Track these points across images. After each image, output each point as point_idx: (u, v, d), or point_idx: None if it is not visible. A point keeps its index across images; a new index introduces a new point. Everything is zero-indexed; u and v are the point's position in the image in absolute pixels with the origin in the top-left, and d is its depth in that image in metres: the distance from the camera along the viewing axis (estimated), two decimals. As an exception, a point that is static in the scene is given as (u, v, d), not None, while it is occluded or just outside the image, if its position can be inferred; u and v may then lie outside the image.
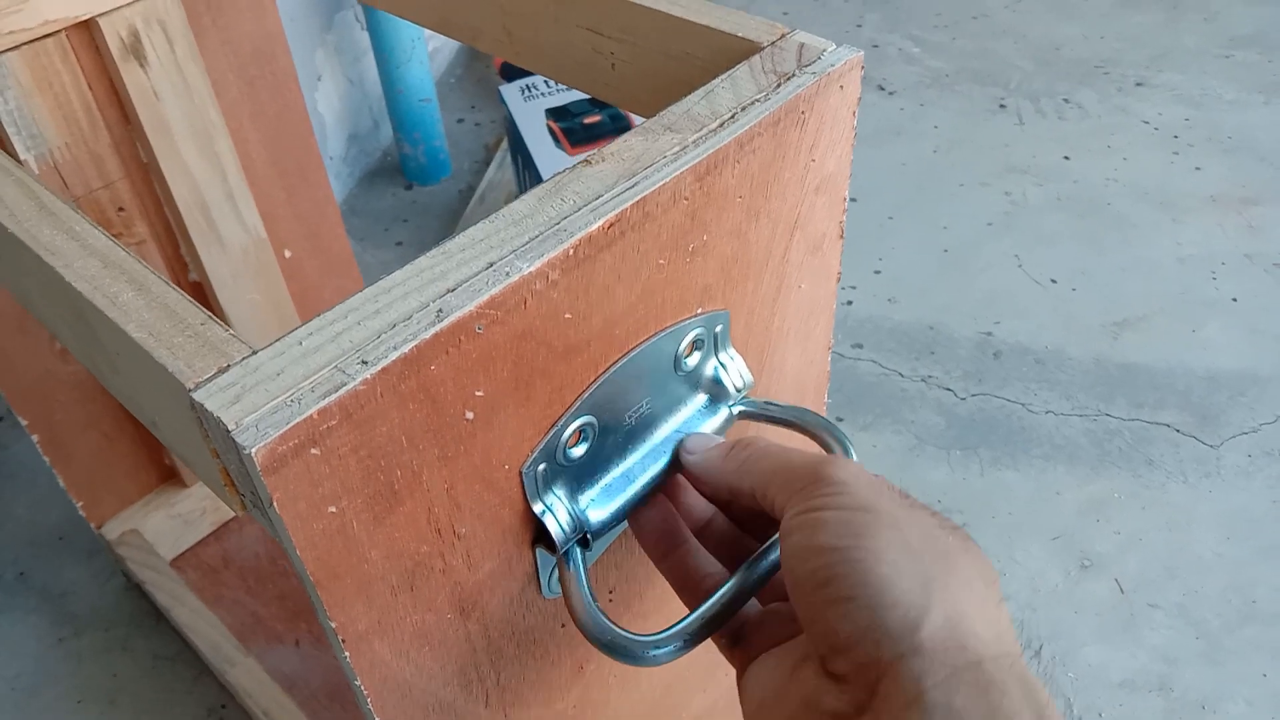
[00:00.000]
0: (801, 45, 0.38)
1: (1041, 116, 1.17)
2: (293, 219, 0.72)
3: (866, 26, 1.36)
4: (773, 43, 0.38)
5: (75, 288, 0.29)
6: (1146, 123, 1.15)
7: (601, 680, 0.43)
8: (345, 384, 0.25)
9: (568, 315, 0.30)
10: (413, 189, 1.13)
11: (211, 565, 0.74)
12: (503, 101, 0.95)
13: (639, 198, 0.31)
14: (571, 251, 0.29)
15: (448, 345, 0.27)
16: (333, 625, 0.29)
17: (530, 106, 0.93)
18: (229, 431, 0.24)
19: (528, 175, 0.90)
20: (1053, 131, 1.15)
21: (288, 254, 0.73)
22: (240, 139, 0.66)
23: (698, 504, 0.37)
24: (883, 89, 1.24)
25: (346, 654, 0.29)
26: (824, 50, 0.37)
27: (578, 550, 0.34)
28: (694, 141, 0.33)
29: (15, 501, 0.84)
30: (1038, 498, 0.78)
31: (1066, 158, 1.11)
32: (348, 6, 1.08)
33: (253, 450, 0.24)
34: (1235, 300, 0.93)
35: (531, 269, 0.28)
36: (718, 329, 0.37)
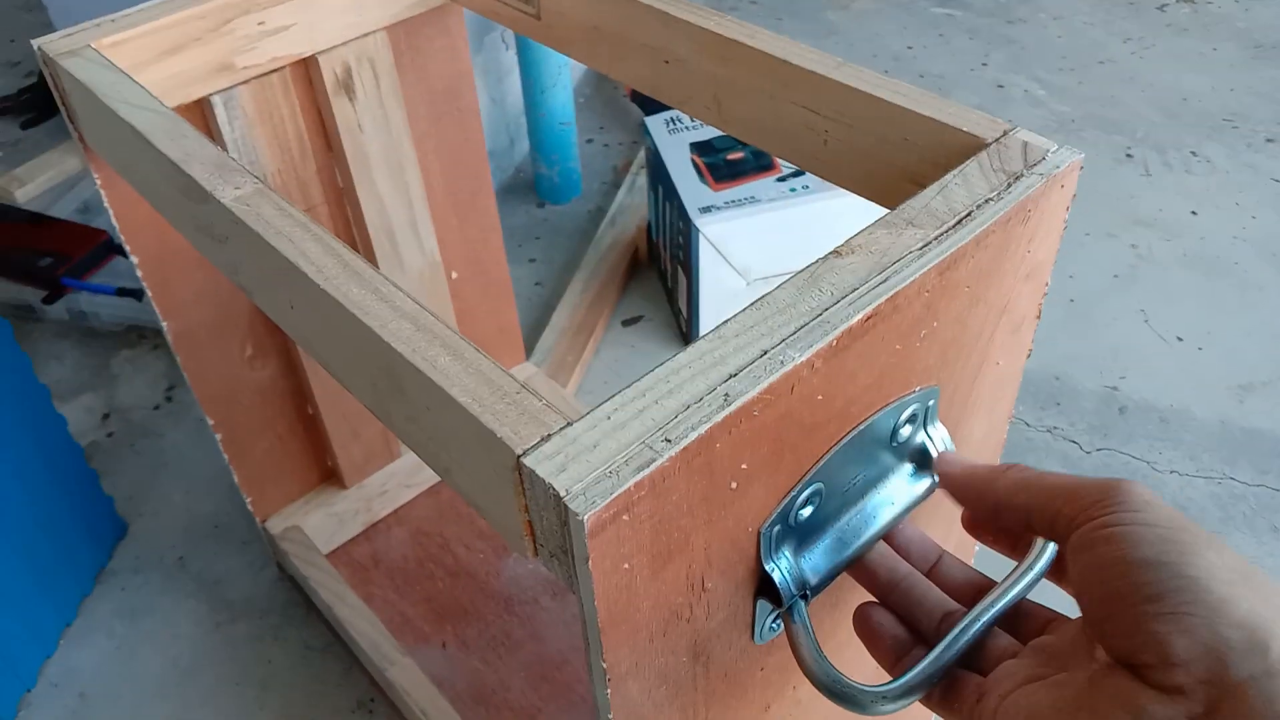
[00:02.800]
0: (1026, 144, 0.40)
1: (1168, 169, 1.17)
2: (461, 244, 0.77)
3: (992, 66, 1.37)
4: (997, 140, 0.40)
5: (395, 349, 0.33)
6: (1276, 181, 1.15)
7: (782, 718, 0.45)
8: (654, 460, 0.29)
9: (820, 397, 0.33)
10: (544, 207, 1.17)
11: (362, 564, 0.79)
12: (647, 133, 0.98)
13: (892, 293, 0.34)
14: (835, 342, 0.32)
15: (731, 426, 0.30)
16: (604, 665, 0.32)
17: (675, 140, 0.96)
18: (560, 497, 0.28)
19: (669, 206, 0.93)
20: (1179, 185, 1.15)
21: (454, 275, 0.77)
22: (425, 168, 0.70)
23: (922, 546, 0.38)
24: (1007, 132, 1.25)
25: (608, 690, 0.33)
26: (1048, 150, 0.40)
27: (802, 604, 0.36)
28: (936, 238, 0.36)
29: (173, 489, 0.89)
30: (1161, 557, 0.79)
31: (1194, 213, 1.11)
32: (496, 29, 1.12)
33: (584, 516, 0.27)
34: (1367, 370, 0.93)
35: (802, 359, 0.31)
36: (930, 404, 0.40)
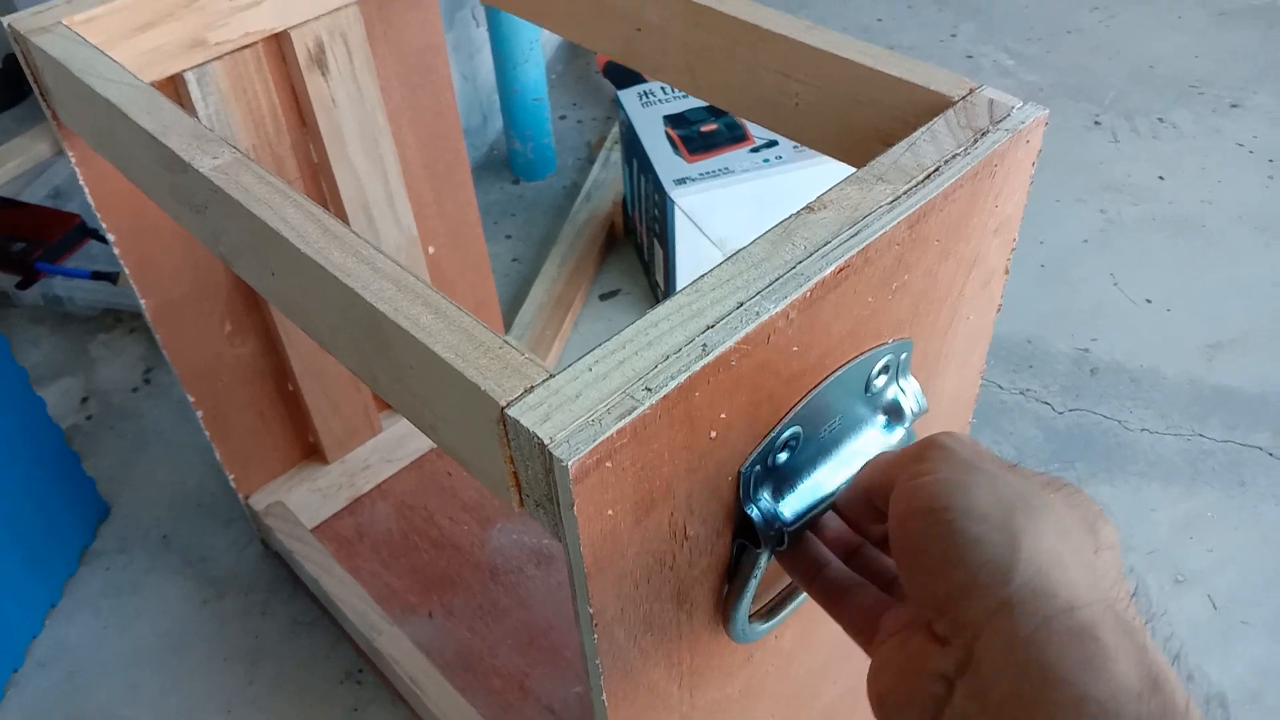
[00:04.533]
0: (991, 101, 0.41)
1: (1136, 135, 1.19)
2: (438, 218, 0.77)
3: (961, 37, 1.38)
4: (963, 97, 0.41)
5: (378, 309, 0.33)
6: (1241, 145, 1.17)
7: (764, 667, 0.47)
8: (635, 408, 0.29)
9: (795, 348, 0.34)
10: (520, 184, 1.18)
11: (347, 537, 0.79)
12: (620, 107, 0.98)
13: (863, 245, 0.34)
14: (808, 294, 0.33)
15: (709, 376, 0.31)
16: (590, 610, 0.33)
17: (648, 113, 0.96)
18: (544, 445, 0.29)
19: (644, 179, 0.94)
20: (1147, 151, 1.16)
21: (431, 250, 0.77)
22: (400, 143, 0.71)
23: (843, 533, 0.39)
24: (977, 101, 1.26)
25: (595, 635, 0.34)
26: (1013, 107, 0.41)
27: (765, 555, 0.37)
28: (905, 192, 0.37)
29: (155, 469, 0.90)
30: (1133, 514, 0.81)
31: (1161, 177, 1.13)
32: (466, 6, 1.12)
33: (569, 463, 0.28)
34: (1330, 327, 0.95)
35: (776, 310, 0.32)
36: (902, 356, 0.41)
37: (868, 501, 0.35)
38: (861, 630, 0.36)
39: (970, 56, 1.34)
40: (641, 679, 0.38)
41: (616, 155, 1.17)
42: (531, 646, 0.72)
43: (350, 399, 0.78)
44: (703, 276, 0.34)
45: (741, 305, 0.32)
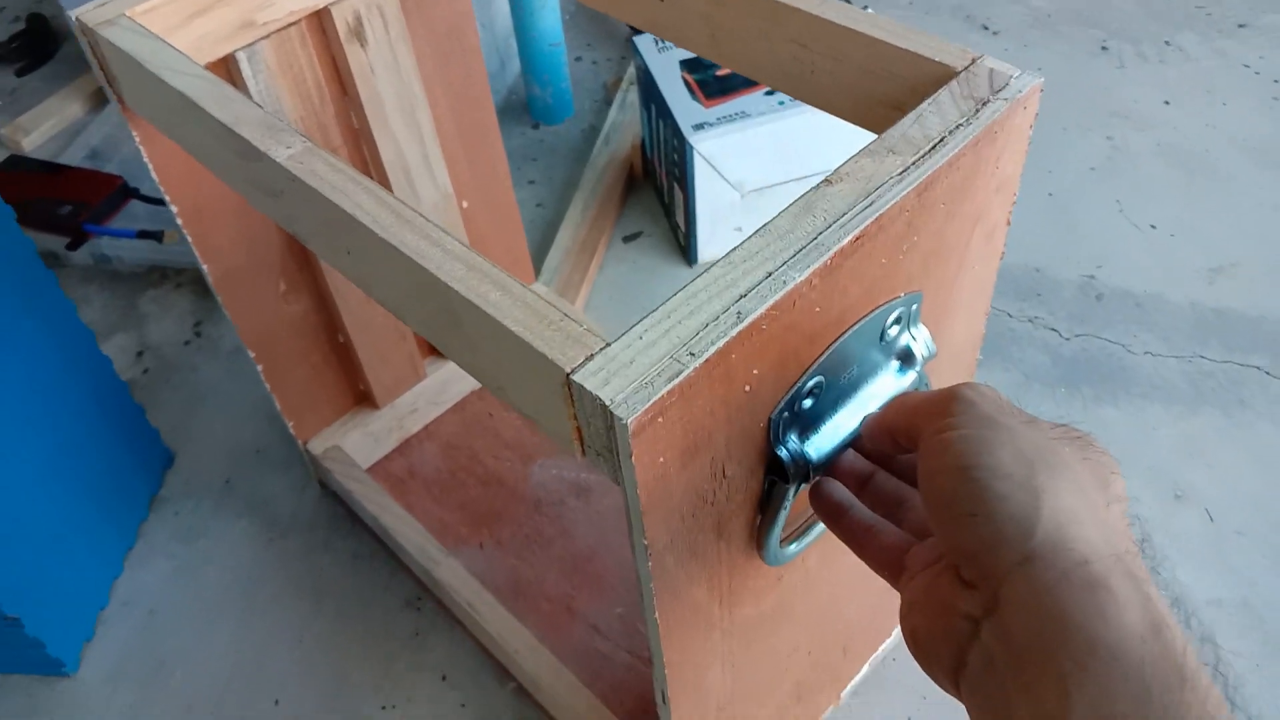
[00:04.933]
0: (991, 71, 0.45)
1: (1143, 60, 1.21)
2: (470, 175, 0.81)
3: (970, -36, 1.39)
4: (966, 68, 0.45)
5: (452, 288, 0.38)
6: (1247, 66, 1.18)
7: (792, 587, 0.52)
8: (681, 371, 0.34)
9: (817, 309, 0.39)
10: (539, 128, 1.21)
11: (399, 477, 0.85)
12: (637, 52, 1.01)
13: (877, 215, 0.39)
14: (829, 262, 0.37)
15: (744, 339, 0.36)
16: (645, 542, 0.38)
17: (664, 58, 0.99)
18: (606, 406, 0.33)
19: (662, 124, 0.97)
20: (1153, 76, 1.19)
21: (465, 205, 0.82)
22: (434, 106, 0.74)
23: (856, 464, 0.44)
24: (987, 29, 1.28)
25: (649, 563, 0.39)
26: (1011, 76, 0.44)
27: (793, 489, 0.43)
28: (914, 163, 0.41)
29: (212, 419, 0.95)
30: (1136, 433, 0.86)
31: (1167, 103, 1.15)
32: (482, -45, 1.14)
33: (628, 420, 0.33)
34: (1329, 248, 0.98)
35: (801, 278, 0.37)
36: (913, 307, 0.45)
37: (891, 439, 0.40)
38: (886, 566, 0.41)
39: (979, -16, 1.35)
40: (687, 599, 0.44)
41: (632, 97, 1.19)
42: (575, 572, 0.78)
43: (397, 348, 0.83)
44: (735, 249, 0.38)
45: (770, 275, 0.37)
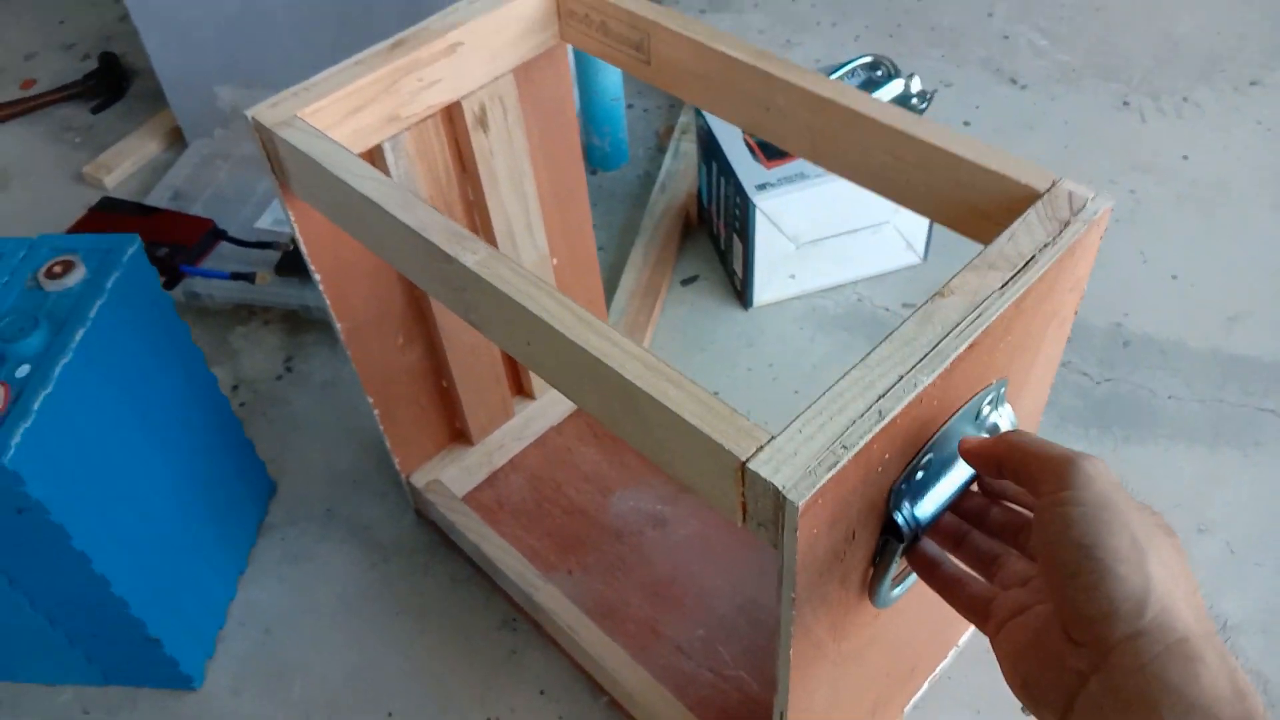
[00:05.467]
0: (1070, 193, 0.53)
1: (1161, 114, 1.29)
2: (561, 234, 0.89)
3: (997, 16, 1.47)
4: (1048, 190, 0.53)
5: (635, 384, 0.46)
6: (1259, 123, 1.27)
7: (884, 621, 0.60)
8: (838, 462, 0.42)
9: (936, 402, 0.47)
10: (597, 174, 1.29)
11: (489, 507, 0.93)
12: (699, 113, 1.09)
13: (985, 326, 0.47)
14: (949, 366, 0.46)
15: (883, 433, 0.44)
16: (792, 595, 0.46)
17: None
18: (779, 490, 0.41)
19: (724, 181, 1.05)
20: (1172, 130, 1.27)
21: (554, 261, 0.90)
22: (535, 173, 0.82)
23: (953, 525, 0.53)
24: (1015, 82, 1.36)
25: (794, 611, 0.47)
26: (1088, 199, 0.53)
27: (903, 546, 0.51)
28: (1012, 279, 0.49)
29: (309, 449, 1.03)
30: (1162, 471, 0.94)
31: (1185, 157, 1.23)
32: (549, 14, 1.22)
33: (799, 504, 0.41)
34: (1336, 298, 1.07)
35: (928, 381, 0.45)
36: (1001, 390, 0.53)
37: (996, 468, 0.47)
38: (973, 611, 0.49)
39: (1006, 37, 1.44)
40: (812, 636, 0.52)
41: (685, 146, 1.28)
42: (657, 597, 0.86)
43: (493, 391, 0.91)
44: (870, 353, 0.46)
45: (901, 378, 0.45)
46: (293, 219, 0.70)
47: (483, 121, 0.74)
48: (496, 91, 0.74)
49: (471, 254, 0.53)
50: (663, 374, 0.46)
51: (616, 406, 0.49)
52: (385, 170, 0.71)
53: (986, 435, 0.54)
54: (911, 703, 0.80)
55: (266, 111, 0.64)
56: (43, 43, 1.65)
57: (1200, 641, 0.39)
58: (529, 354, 0.53)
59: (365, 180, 0.58)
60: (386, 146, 0.70)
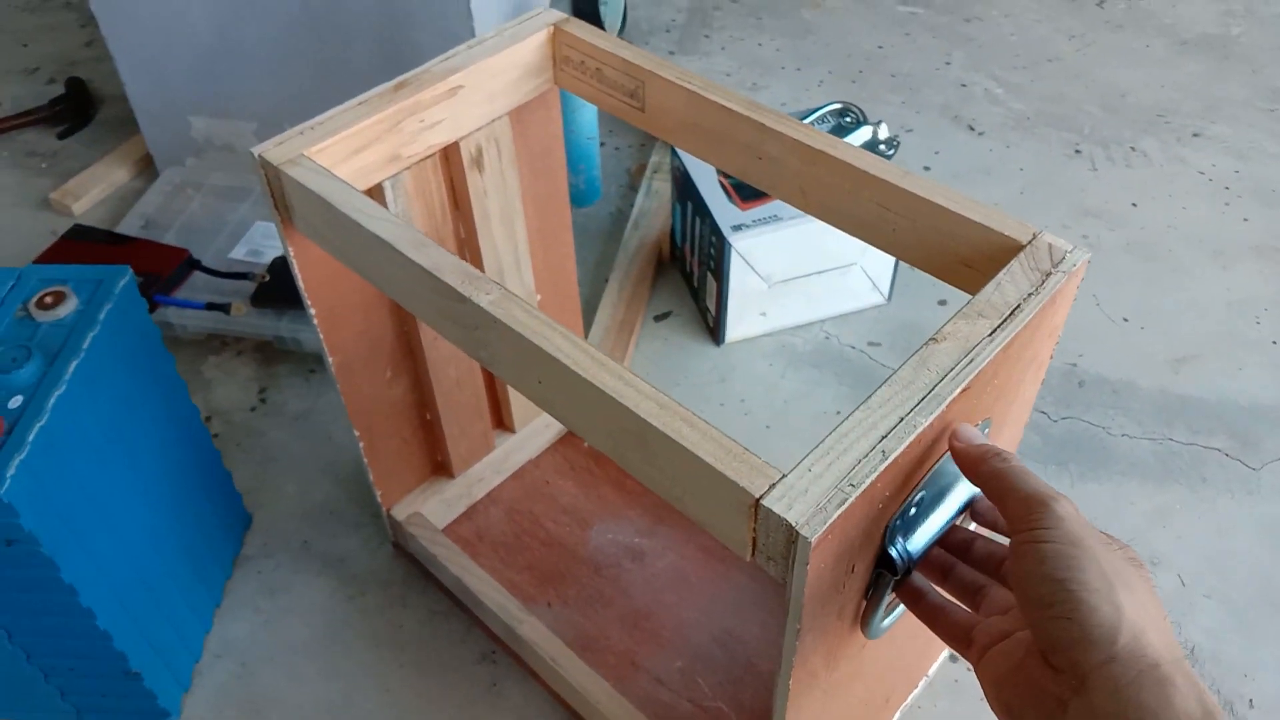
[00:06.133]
0: (1050, 245, 0.56)
1: (1111, 163, 1.35)
2: (546, 271, 0.91)
3: (954, 65, 1.53)
4: (1029, 242, 0.57)
5: (649, 423, 0.48)
6: (1202, 173, 1.34)
7: (871, 650, 0.63)
8: (846, 499, 0.45)
9: (932, 441, 0.50)
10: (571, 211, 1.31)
11: (469, 539, 0.94)
12: (675, 155, 1.12)
13: (977, 372, 0.50)
14: (945, 408, 0.49)
15: (886, 471, 0.46)
16: (798, 626, 0.48)
17: (702, 162, 1.10)
18: (793, 526, 0.44)
19: (699, 221, 1.08)
20: (1121, 179, 1.33)
21: (538, 298, 0.92)
22: (525, 212, 0.84)
23: (941, 558, 0.56)
24: (972, 129, 1.42)
25: (797, 641, 0.49)
26: (1067, 251, 0.56)
27: (893, 579, 0.54)
28: (1000, 326, 0.52)
29: (284, 481, 1.03)
30: (1115, 506, 0.98)
31: (1134, 204, 1.29)
32: (525, 54, 1.24)
33: (812, 539, 0.43)
34: (1275, 343, 1.12)
35: (926, 422, 0.48)
36: (986, 430, 0.56)
37: (977, 479, 0.50)
38: (956, 639, 0.52)
39: (964, 85, 1.50)
40: (809, 666, 0.54)
41: (657, 185, 1.31)
42: (636, 629, 0.88)
43: (475, 425, 0.92)
44: (871, 396, 0.49)
45: (902, 420, 0.48)
46: (292, 255, 0.71)
47: (478, 162, 0.76)
48: (493, 133, 0.76)
49: (485, 294, 0.55)
50: (676, 413, 0.49)
51: (627, 443, 0.51)
52: (383, 206, 0.73)
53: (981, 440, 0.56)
54: (885, 731, 0.82)
55: (273, 150, 0.66)
56: (4, 67, 1.63)
57: (1170, 666, 0.41)
58: (540, 392, 0.55)
59: (377, 220, 0.59)
60: (387, 185, 0.71)
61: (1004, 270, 0.55)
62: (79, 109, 1.51)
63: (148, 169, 1.42)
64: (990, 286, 0.54)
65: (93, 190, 1.37)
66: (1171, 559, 0.94)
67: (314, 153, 0.66)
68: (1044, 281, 0.54)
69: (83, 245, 1.19)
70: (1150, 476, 1.01)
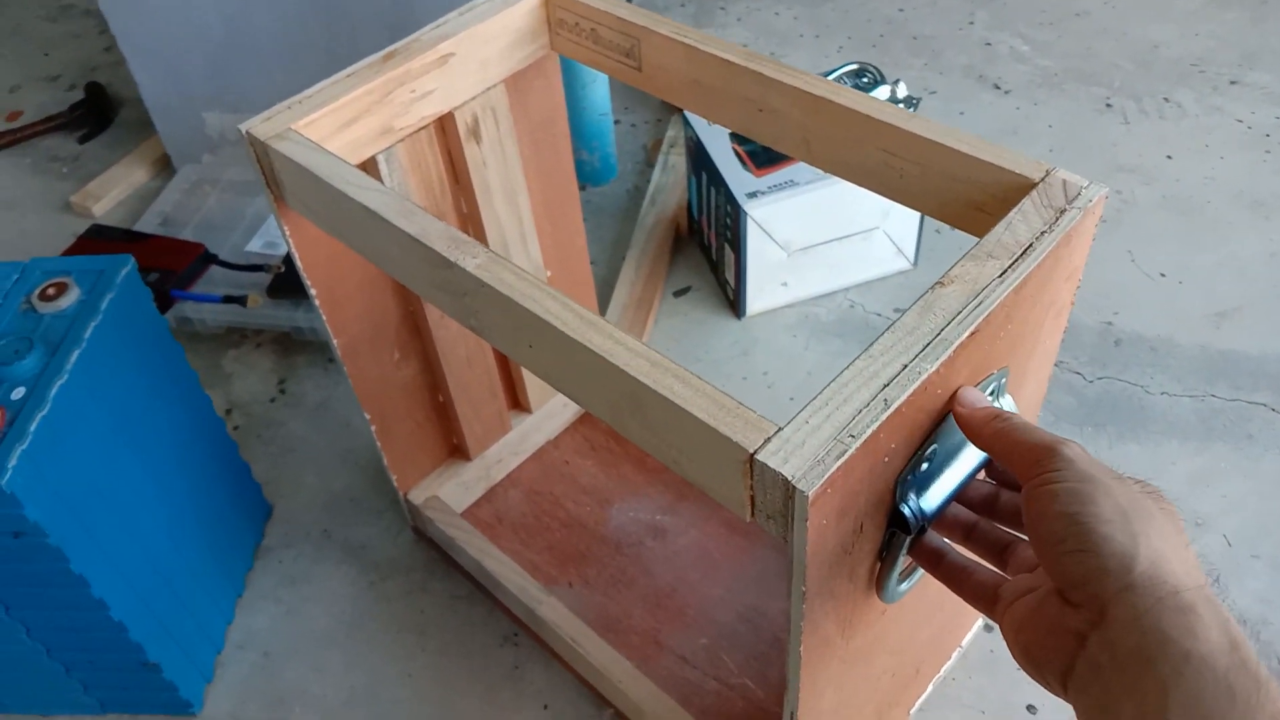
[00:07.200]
0: (1065, 181, 0.53)
1: (1144, 116, 1.31)
2: (554, 246, 0.89)
3: (977, 24, 1.49)
4: (1042, 179, 0.54)
5: (640, 381, 0.46)
6: (1240, 121, 1.28)
7: (891, 618, 0.60)
8: (846, 451, 0.42)
9: (939, 391, 0.47)
10: (586, 189, 1.29)
11: (488, 522, 0.93)
12: (687, 124, 1.10)
13: (986, 314, 0.47)
14: (951, 354, 0.46)
15: (889, 421, 0.44)
16: (803, 589, 0.46)
17: (714, 130, 1.08)
18: (789, 480, 0.41)
19: (714, 191, 1.06)
20: (1155, 131, 1.28)
21: (548, 274, 0.90)
22: (528, 186, 0.83)
23: (961, 515, 0.53)
24: (998, 88, 1.37)
25: (804, 605, 0.47)
26: (1082, 187, 0.53)
27: (910, 538, 0.51)
28: (1010, 266, 0.49)
29: (304, 471, 1.03)
30: (1156, 467, 0.94)
31: (1169, 157, 1.25)
32: (534, 32, 1.22)
33: (809, 493, 0.41)
34: (1323, 293, 1.08)
35: (932, 369, 0.45)
36: (1002, 381, 0.54)
37: (978, 441, 0.48)
38: (981, 599, 0.49)
39: (988, 44, 1.45)
40: (821, 633, 0.52)
41: (673, 160, 1.28)
42: (659, 608, 0.86)
43: (488, 405, 0.91)
44: (873, 344, 0.46)
45: (905, 367, 0.45)
46: (288, 234, 0.69)
47: (475, 132, 0.74)
48: (488, 102, 0.74)
49: (471, 258, 0.53)
50: (668, 370, 0.46)
51: (621, 406, 0.49)
52: (378, 180, 0.71)
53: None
54: (917, 705, 0.79)
55: (261, 125, 0.64)
56: (27, 75, 1.65)
57: (1192, 593, 0.39)
58: (531, 357, 0.53)
59: (363, 190, 0.58)
60: (380, 159, 0.70)
61: (1014, 209, 0.52)
62: (99, 113, 1.52)
63: (166, 168, 1.42)
64: (1000, 226, 0.51)
65: (112, 191, 1.38)
66: (1216, 520, 0.90)
67: (302, 127, 0.64)
68: (1058, 219, 0.51)
69: (100, 244, 1.19)
70: (1192, 435, 0.97)
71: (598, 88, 1.20)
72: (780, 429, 0.43)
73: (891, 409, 0.44)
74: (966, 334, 0.46)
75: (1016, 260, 0.49)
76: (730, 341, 1.10)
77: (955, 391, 0.49)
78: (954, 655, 0.82)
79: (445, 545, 0.90)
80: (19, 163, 1.47)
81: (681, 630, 0.84)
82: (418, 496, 0.91)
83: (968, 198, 0.57)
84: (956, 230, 1.09)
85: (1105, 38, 1.44)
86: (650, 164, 1.32)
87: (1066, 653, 0.41)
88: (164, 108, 1.32)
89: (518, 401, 0.97)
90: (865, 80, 1.10)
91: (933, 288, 0.49)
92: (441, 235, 0.54)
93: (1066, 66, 1.40)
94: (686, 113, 1.12)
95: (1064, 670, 0.42)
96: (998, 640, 0.83)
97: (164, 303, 1.12)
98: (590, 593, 0.87)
